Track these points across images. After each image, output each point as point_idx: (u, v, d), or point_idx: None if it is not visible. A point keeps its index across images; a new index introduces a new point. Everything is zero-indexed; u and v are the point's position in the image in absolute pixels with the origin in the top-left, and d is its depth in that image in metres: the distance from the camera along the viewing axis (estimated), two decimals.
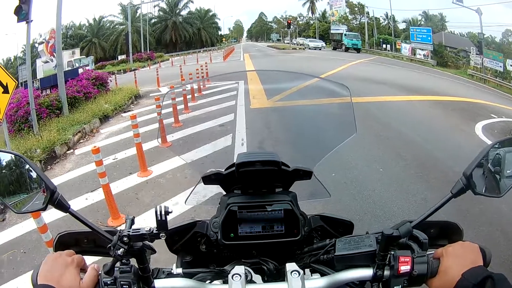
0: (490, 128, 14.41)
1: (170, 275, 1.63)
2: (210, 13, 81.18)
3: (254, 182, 1.94)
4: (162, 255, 1.87)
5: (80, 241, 1.80)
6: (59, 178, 9.92)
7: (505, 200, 7.16)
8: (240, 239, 1.84)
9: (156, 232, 1.48)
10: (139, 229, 1.48)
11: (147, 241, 1.51)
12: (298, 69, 29.43)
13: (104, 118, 16.65)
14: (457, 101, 20.66)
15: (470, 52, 44.37)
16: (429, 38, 50.62)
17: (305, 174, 1.95)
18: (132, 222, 1.54)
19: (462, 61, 46.99)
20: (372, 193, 8.08)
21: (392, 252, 1.52)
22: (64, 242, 1.78)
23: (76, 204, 8.01)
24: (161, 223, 1.48)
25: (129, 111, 17.95)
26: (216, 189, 2.08)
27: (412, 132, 13.18)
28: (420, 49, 51.63)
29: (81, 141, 13.75)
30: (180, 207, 7.27)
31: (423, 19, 57.63)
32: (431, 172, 9.28)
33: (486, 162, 1.61)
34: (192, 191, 2.31)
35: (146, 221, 6.88)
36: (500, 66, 37.82)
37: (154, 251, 1.64)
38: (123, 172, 9.76)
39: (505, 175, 1.62)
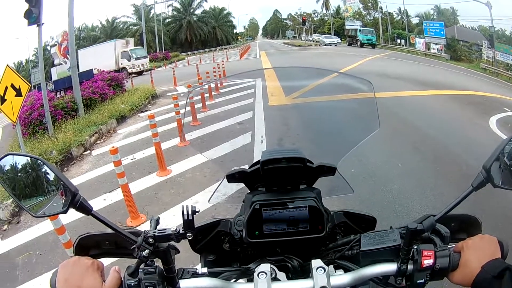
0: (504, 122, 14.36)
1: (195, 275, 1.61)
2: (225, 12, 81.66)
3: (278, 179, 1.91)
4: (182, 254, 1.75)
5: (101, 243, 1.76)
6: (76, 179, 9.95)
7: None
8: (265, 237, 1.82)
9: (183, 232, 1.47)
10: (165, 229, 1.46)
11: (172, 242, 1.49)
12: (316, 65, 29.55)
13: (121, 119, 16.76)
14: (471, 95, 20.74)
15: (482, 46, 44.44)
16: (442, 32, 50.76)
17: (329, 170, 1.95)
18: (157, 223, 1.52)
19: (474, 54, 46.90)
20: (391, 188, 8.07)
21: (415, 247, 1.52)
22: (84, 245, 1.74)
23: (94, 205, 7.69)
24: (188, 222, 1.47)
25: (146, 111, 18.07)
26: (237, 187, 2.15)
27: (428, 126, 13.21)
28: (433, 43, 51.75)
29: (98, 142, 13.85)
30: (200, 205, 6.97)
31: (435, 13, 57.49)
32: (448, 166, 9.27)
33: (502, 155, 1.58)
34: (216, 189, 2.26)
35: (165, 220, 6.78)
36: (511, 59, 37.73)
37: (178, 251, 1.62)
38: (141, 172, 9.78)
39: None
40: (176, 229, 1.46)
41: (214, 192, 2.29)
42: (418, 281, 1.49)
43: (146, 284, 1.43)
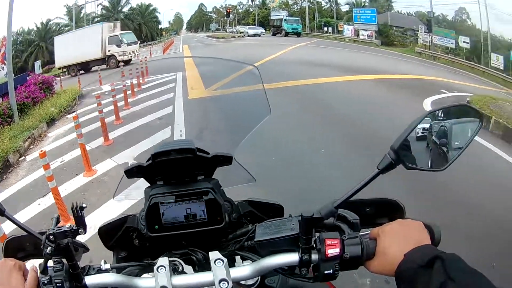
0: (440, 103, 14.05)
1: (99, 271, 1.58)
2: (151, 8, 79.91)
3: (174, 172, 1.86)
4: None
5: (24, 245, 1.79)
6: (13, 187, 9.83)
7: None
8: (165, 230, 1.79)
9: (76, 228, 1.46)
10: (61, 227, 1.44)
11: (72, 239, 1.46)
12: (236, 57, 29.26)
13: (51, 122, 16.37)
14: (404, 79, 20.69)
15: (418, 31, 44.38)
16: (374, 19, 49.79)
17: (226, 160, 1.89)
18: (58, 221, 1.52)
19: (409, 39, 46.94)
20: (315, 174, 8.16)
21: (318, 235, 1.44)
22: (12, 248, 1.78)
23: (30, 210, 7.98)
24: (79, 219, 1.46)
25: (73, 111, 17.63)
26: (143, 183, 1.99)
27: (355, 112, 13.22)
28: (363, 30, 50.92)
29: (31, 146, 13.54)
30: (127, 202, 7.21)
31: (367, 0, 57.34)
32: (376, 151, 9.17)
33: (430, 135, 1.58)
34: (118, 185, 2.22)
35: (93, 221, 6.70)
36: (452, 43, 38.09)
37: (87, 249, 1.62)
38: (70, 174, 9.69)
39: (453, 147, 1.55)
40: (70, 226, 1.45)
41: (117, 188, 2.26)
42: (326, 272, 1.39)
43: (55, 281, 1.43)
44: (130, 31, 49.31)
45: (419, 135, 1.54)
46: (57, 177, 7.50)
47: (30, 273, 1.45)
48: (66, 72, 40.70)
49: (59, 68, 42.58)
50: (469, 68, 33.36)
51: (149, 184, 1.93)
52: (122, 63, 37.90)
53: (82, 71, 40.17)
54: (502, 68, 31.19)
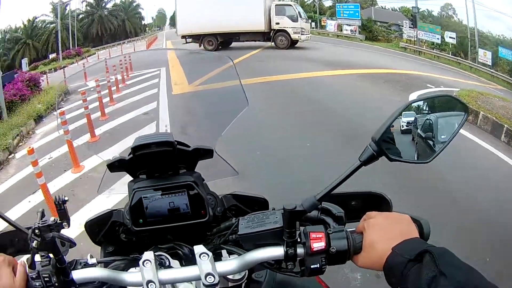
0: None
1: (86, 265, 1.57)
2: (134, 4, 79.28)
3: (155, 165, 1.81)
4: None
5: (14, 240, 1.77)
6: (3, 185, 9.75)
7: None
8: (149, 225, 1.74)
9: (60, 222, 1.44)
10: (46, 220, 1.40)
11: (58, 233, 1.45)
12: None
13: (38, 119, 16.25)
14: (389, 73, 20.43)
15: (402, 26, 44.24)
16: (357, 14, 48.71)
17: (206, 153, 1.84)
18: (43, 215, 1.45)
19: (394, 34, 46.67)
20: (300, 168, 8.17)
21: (303, 229, 1.41)
22: (2, 244, 1.76)
23: (21, 208, 7.91)
24: (62, 212, 1.47)
25: (60, 108, 17.34)
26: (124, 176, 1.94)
27: (339, 106, 13.25)
28: (347, 24, 50.04)
29: (20, 144, 13.44)
30: (116, 197, 6.90)
31: None
32: (362, 145, 9.22)
33: (415, 128, 1.57)
34: (102, 179, 2.21)
35: (83, 217, 6.74)
36: (438, 38, 38.11)
37: (74, 244, 1.56)
38: (58, 170, 9.66)
39: (440, 140, 1.53)
40: (54, 219, 1.42)
41: (101, 183, 2.22)
42: (312, 266, 1.35)
43: (43, 275, 1.41)
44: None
45: (404, 128, 1.55)
46: (46, 173, 7.48)
47: (18, 268, 1.43)
48: (200, 45, 32.95)
49: (183, 37, 34.49)
50: (455, 63, 33.41)
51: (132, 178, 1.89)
52: (285, 44, 30.80)
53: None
54: (490, 64, 31.31)
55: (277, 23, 30.78)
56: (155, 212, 1.75)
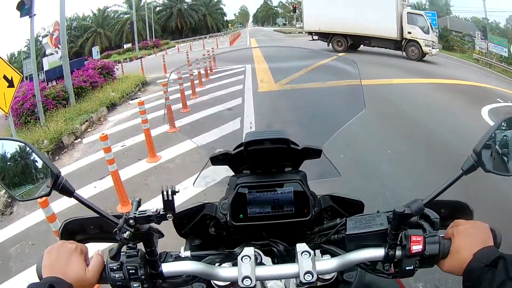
0: (496, 112, 14.30)
1: (178, 258, 1.60)
2: (215, 0, 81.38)
3: (263, 162, 1.90)
4: (169, 240, 1.78)
5: (86, 227, 1.74)
6: (67, 167, 9.96)
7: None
8: (250, 220, 1.81)
9: (163, 213, 1.41)
10: (145, 211, 1.41)
11: (154, 224, 1.46)
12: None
13: (112, 106, 16.77)
14: (463, 85, 20.62)
15: (475, 37, 43.90)
16: (435, 22, 49.30)
17: (315, 153, 1.92)
18: (139, 204, 1.47)
19: (467, 45, 46.50)
20: (381, 174, 8.09)
21: (404, 232, 1.47)
22: (70, 230, 1.72)
23: (85, 192, 7.99)
24: (168, 203, 1.40)
25: (137, 98, 17.90)
26: (225, 171, 2.02)
27: (419, 114, 13.24)
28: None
29: (88, 130, 13.85)
30: (190, 191, 7.23)
31: (427, 3, 57.10)
32: (438, 153, 9.26)
33: (493, 143, 1.58)
34: (200, 172, 2.21)
35: (156, 207, 6.75)
36: (505, 52, 37.41)
37: (162, 235, 1.60)
38: (131, 159, 9.82)
39: None
40: (156, 210, 1.41)
41: (198, 175, 2.24)
42: (407, 268, 1.45)
43: (128, 267, 1.42)
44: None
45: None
46: (117, 161, 7.54)
47: (95, 257, 1.47)
48: (328, 44, 33.38)
49: (310, 33, 35.50)
50: None
51: (233, 173, 1.97)
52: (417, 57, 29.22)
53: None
54: None
55: (409, 32, 29.63)
56: (258, 208, 1.82)
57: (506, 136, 1.59)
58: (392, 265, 1.50)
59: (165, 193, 1.40)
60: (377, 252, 1.48)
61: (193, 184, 2.38)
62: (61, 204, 6.73)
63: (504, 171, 1.56)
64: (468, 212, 1.80)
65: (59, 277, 1.31)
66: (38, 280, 1.35)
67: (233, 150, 1.88)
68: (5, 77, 9.49)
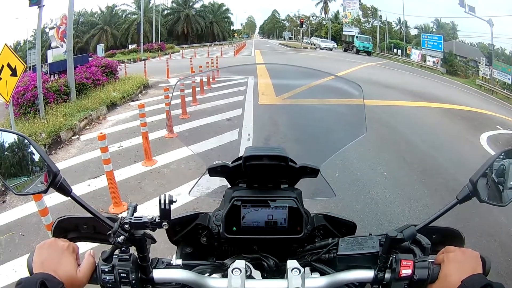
0: (495, 139, 14.47)
1: (169, 265, 1.62)
2: (223, 8, 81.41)
3: (260, 177, 1.92)
4: (161, 245, 1.87)
5: (80, 226, 1.76)
6: (62, 163, 9.95)
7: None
8: (243, 233, 1.84)
9: (159, 221, 1.47)
10: (141, 217, 1.46)
11: (148, 230, 1.50)
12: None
13: (112, 106, 16.70)
14: (464, 110, 20.74)
15: (479, 63, 44.40)
16: (440, 46, 50.64)
17: (312, 172, 1.96)
18: (135, 210, 1.52)
19: (471, 70, 47.07)
20: (375, 195, 8.11)
21: (394, 255, 1.51)
22: (63, 227, 1.74)
23: (78, 189, 7.99)
24: (164, 212, 1.47)
25: (137, 100, 17.99)
26: (220, 182, 2.13)
27: (418, 137, 13.29)
28: (430, 56, 51.61)
29: (87, 127, 13.81)
30: (183, 198, 7.18)
31: (435, 26, 57.50)
32: (434, 178, 9.33)
33: (490, 172, 1.61)
34: (196, 182, 2.27)
35: (148, 210, 6.84)
36: (509, 79, 37.90)
37: (154, 241, 1.64)
38: (127, 160, 9.81)
39: (508, 187, 1.62)
40: (152, 217, 1.46)
41: (194, 185, 2.29)
42: None
43: (119, 270, 1.45)
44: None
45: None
46: (113, 161, 7.52)
47: (87, 257, 1.49)
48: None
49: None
50: None
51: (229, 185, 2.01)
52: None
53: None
54: None
55: None
56: (251, 222, 1.86)
57: (503, 165, 1.64)
58: (380, 287, 1.55)
59: (162, 201, 1.46)
60: (367, 274, 1.53)
61: (189, 193, 2.43)
62: (54, 199, 6.78)
63: (499, 201, 1.60)
64: (459, 239, 1.86)
65: (51, 274, 1.34)
66: (28, 275, 1.37)
67: (231, 162, 1.93)
68: (9, 65, 9.51)
